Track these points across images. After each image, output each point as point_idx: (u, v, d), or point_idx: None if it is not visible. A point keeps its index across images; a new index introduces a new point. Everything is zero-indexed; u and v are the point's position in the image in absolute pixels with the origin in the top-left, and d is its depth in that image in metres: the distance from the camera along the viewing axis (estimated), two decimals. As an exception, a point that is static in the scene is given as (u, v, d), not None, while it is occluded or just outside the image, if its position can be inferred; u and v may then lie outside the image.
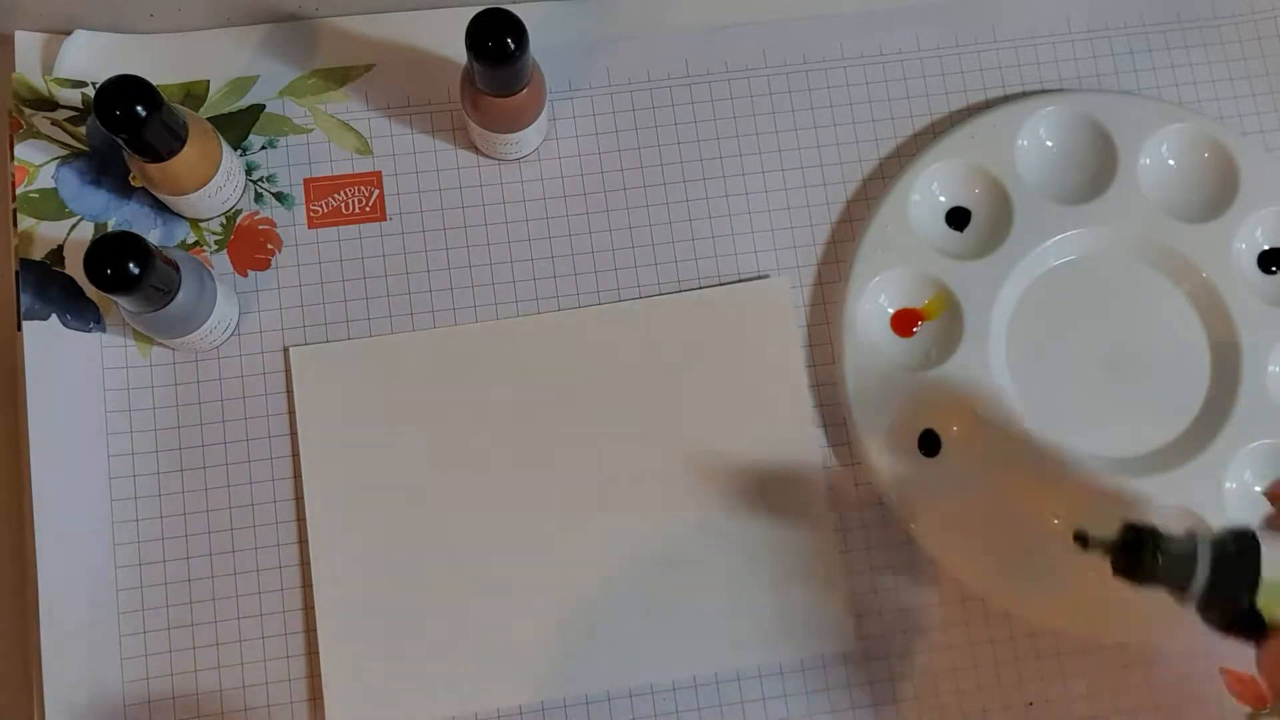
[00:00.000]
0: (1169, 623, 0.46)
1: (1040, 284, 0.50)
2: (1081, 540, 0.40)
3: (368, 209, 0.50)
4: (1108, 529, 0.39)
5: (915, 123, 0.52)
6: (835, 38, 0.52)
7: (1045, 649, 0.48)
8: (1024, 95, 0.52)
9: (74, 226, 0.48)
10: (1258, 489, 0.48)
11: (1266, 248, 0.51)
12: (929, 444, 0.49)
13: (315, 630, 0.46)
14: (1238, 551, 0.35)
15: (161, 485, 0.47)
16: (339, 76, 0.51)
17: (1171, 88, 0.53)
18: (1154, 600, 0.46)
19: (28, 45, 0.50)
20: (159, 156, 0.44)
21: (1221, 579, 0.35)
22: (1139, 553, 0.37)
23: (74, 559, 0.46)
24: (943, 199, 0.51)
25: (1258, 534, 0.35)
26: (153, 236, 0.49)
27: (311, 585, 0.46)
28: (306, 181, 0.50)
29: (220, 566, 0.47)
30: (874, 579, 0.48)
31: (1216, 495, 0.47)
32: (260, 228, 0.49)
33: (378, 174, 0.50)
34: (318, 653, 0.46)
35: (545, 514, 0.47)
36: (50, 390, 0.47)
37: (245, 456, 0.47)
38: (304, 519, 0.47)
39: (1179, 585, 0.36)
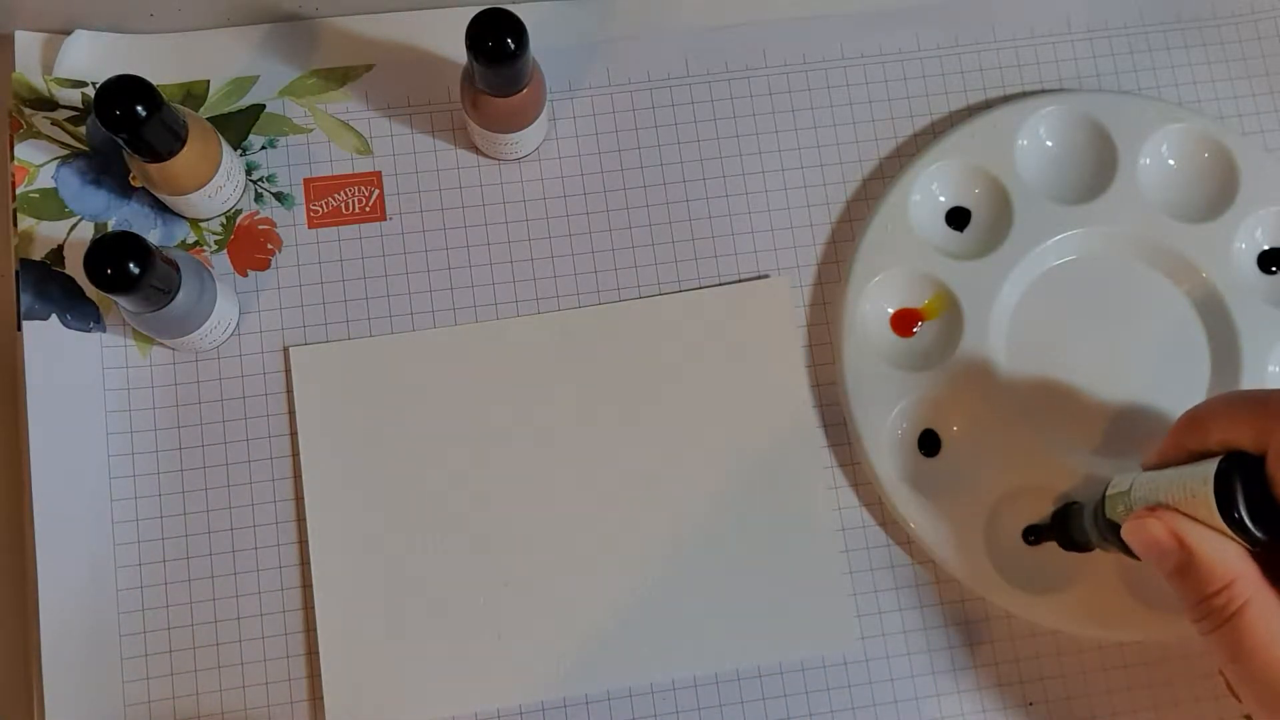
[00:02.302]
0: (1169, 623, 0.46)
1: (1040, 284, 0.50)
2: (1032, 538, 0.48)
3: (368, 209, 0.50)
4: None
5: (915, 123, 0.52)
6: (835, 38, 0.52)
7: (1045, 649, 0.48)
8: (1024, 95, 0.52)
9: (74, 226, 0.48)
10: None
11: (1266, 248, 0.51)
12: (929, 444, 0.49)
13: (315, 630, 0.46)
14: (1094, 507, 0.43)
15: (161, 485, 0.47)
16: (339, 76, 0.51)
17: (1171, 88, 0.53)
18: (1153, 600, 0.46)
19: (28, 45, 0.50)
20: (159, 156, 0.44)
21: (1094, 524, 0.43)
22: (1064, 528, 0.46)
23: (74, 559, 0.46)
24: (943, 199, 0.51)
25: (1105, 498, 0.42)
26: (153, 236, 0.49)
27: (311, 585, 0.46)
28: (306, 181, 0.50)
29: (220, 567, 0.47)
30: (874, 579, 0.48)
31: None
32: (260, 228, 0.49)
33: (378, 174, 0.50)
34: (318, 653, 0.46)
35: (545, 514, 0.47)
36: (50, 390, 0.47)
37: (245, 456, 0.48)
38: (304, 519, 0.47)
39: (1092, 543, 0.44)
